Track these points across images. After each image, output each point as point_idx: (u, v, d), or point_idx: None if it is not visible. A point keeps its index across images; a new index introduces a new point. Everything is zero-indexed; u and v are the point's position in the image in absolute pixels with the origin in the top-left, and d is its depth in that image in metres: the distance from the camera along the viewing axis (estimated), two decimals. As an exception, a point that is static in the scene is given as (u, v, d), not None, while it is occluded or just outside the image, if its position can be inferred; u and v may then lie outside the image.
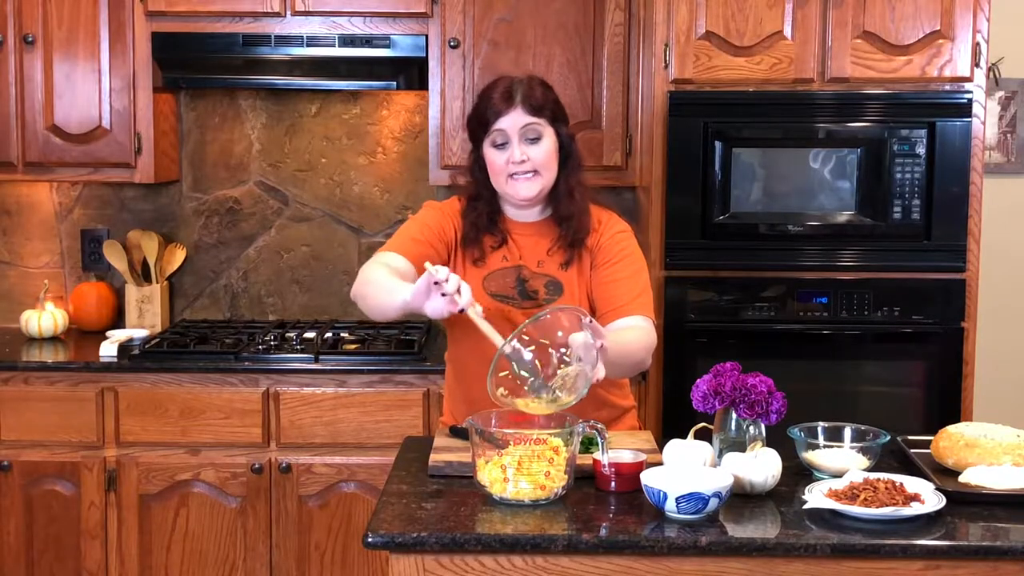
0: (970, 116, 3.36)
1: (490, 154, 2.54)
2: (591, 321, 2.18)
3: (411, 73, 3.72)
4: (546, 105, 2.54)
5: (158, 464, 3.48)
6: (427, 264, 2.22)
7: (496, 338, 2.21)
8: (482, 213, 2.60)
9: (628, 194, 3.87)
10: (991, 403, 3.82)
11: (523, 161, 2.51)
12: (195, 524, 3.50)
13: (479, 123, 2.55)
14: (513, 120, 2.51)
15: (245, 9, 3.64)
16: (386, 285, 2.35)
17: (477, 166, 2.60)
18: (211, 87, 3.96)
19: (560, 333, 2.18)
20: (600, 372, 2.16)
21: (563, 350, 2.17)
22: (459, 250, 2.61)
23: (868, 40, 3.36)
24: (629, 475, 2.19)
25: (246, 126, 4.04)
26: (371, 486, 3.45)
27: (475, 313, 2.20)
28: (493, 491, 2.14)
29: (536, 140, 2.52)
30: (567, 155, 2.59)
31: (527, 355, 2.18)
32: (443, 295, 2.16)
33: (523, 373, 2.19)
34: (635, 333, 2.47)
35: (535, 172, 2.53)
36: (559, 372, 2.19)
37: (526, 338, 2.18)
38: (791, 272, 3.41)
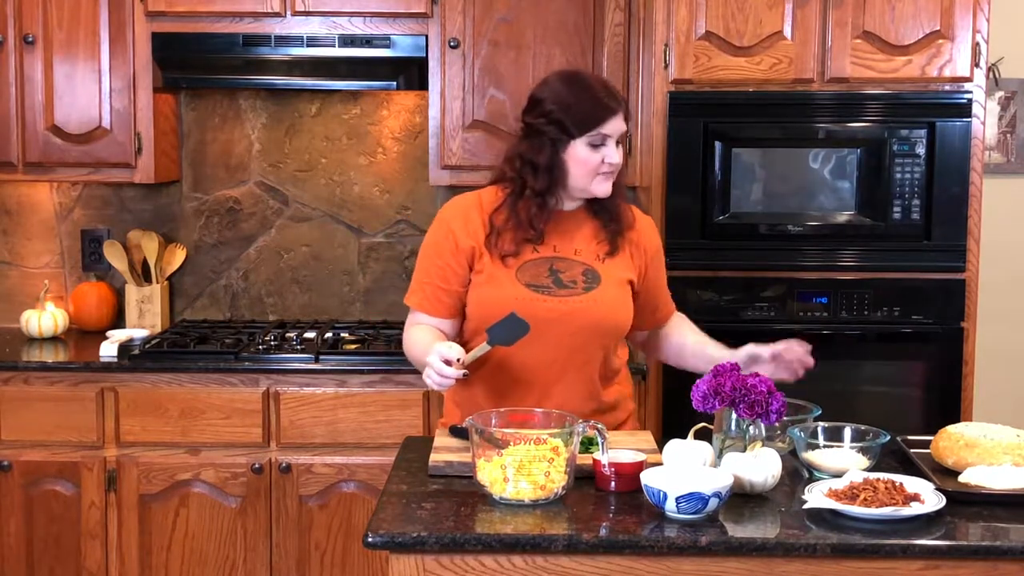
0: (970, 116, 3.36)
1: (583, 152, 2.50)
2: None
3: (411, 73, 3.72)
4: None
5: (158, 464, 3.48)
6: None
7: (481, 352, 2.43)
8: (530, 206, 2.55)
9: (628, 194, 3.86)
10: (991, 403, 3.81)
11: (617, 163, 2.54)
12: (195, 524, 3.50)
13: (584, 122, 2.50)
14: (616, 125, 2.53)
15: (245, 9, 3.64)
16: (420, 360, 2.49)
17: (554, 161, 2.52)
18: (211, 87, 3.96)
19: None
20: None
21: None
22: (486, 250, 2.56)
23: (868, 40, 3.36)
24: (629, 475, 2.19)
25: (246, 126, 4.04)
26: (371, 486, 3.45)
27: (467, 359, 2.38)
28: (493, 491, 2.14)
29: (619, 144, 2.57)
30: None
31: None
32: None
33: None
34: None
35: (613, 172, 2.57)
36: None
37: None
38: (791, 272, 3.41)
